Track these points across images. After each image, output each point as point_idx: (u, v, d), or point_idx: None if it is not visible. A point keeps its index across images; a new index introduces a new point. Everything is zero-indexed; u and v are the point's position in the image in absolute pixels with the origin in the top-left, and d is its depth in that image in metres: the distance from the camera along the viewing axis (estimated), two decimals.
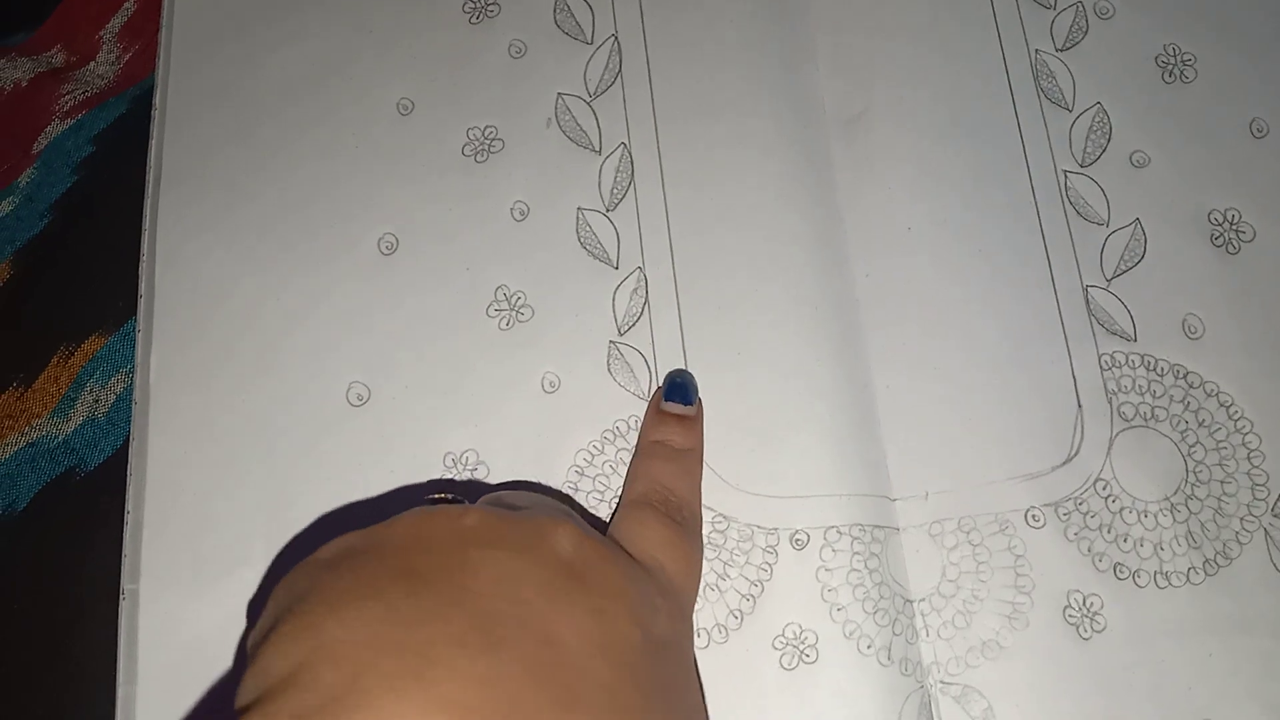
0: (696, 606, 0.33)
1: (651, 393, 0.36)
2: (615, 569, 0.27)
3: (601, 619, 0.26)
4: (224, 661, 0.34)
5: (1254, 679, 0.32)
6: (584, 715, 0.24)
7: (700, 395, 0.35)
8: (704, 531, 0.34)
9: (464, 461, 0.35)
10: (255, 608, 0.34)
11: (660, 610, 0.28)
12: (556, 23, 0.41)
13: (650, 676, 0.26)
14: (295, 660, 0.23)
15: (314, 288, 0.37)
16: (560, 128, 0.39)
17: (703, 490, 0.34)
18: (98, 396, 0.38)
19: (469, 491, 0.34)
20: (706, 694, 0.32)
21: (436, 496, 0.28)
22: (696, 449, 0.35)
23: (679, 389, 0.35)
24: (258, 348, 0.37)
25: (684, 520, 0.32)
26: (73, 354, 0.38)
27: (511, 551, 0.26)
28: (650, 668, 0.26)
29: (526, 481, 0.35)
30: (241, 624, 0.34)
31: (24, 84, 0.41)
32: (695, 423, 0.35)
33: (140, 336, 0.37)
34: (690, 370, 0.36)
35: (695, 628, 0.33)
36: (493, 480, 0.35)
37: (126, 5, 0.43)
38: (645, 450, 0.34)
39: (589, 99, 0.39)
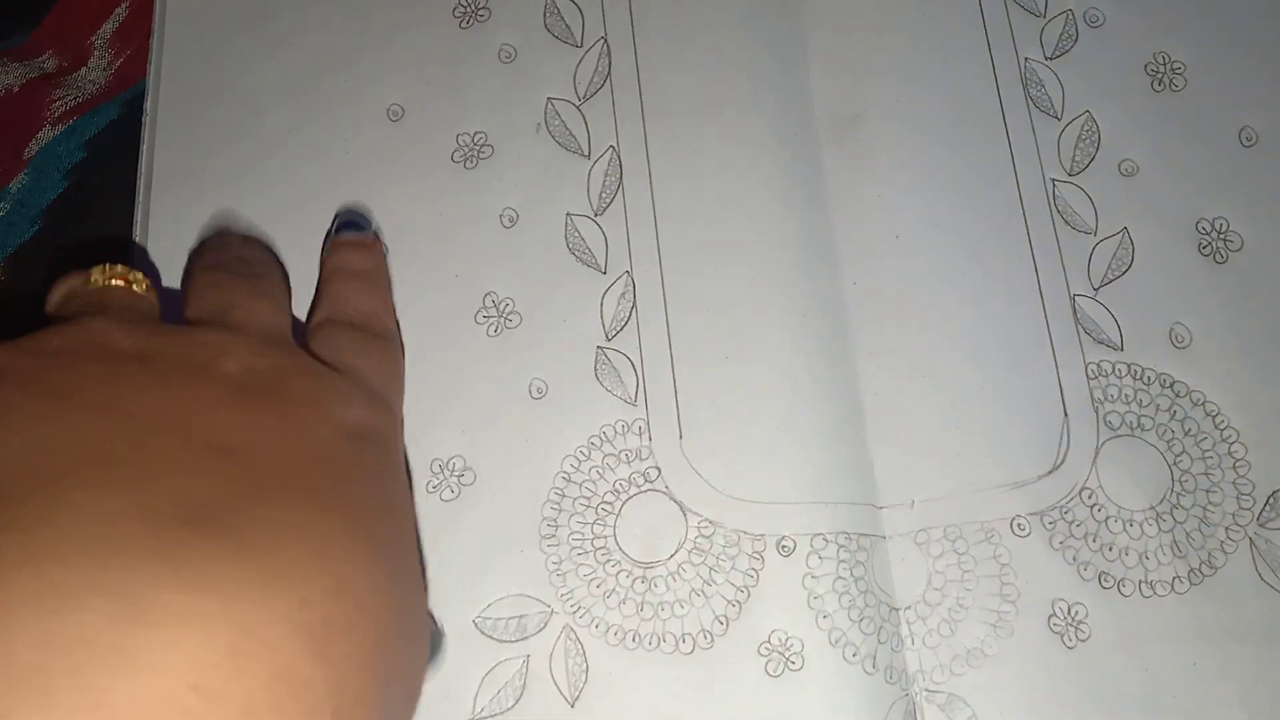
0: (681, 611, 0.33)
1: (638, 397, 0.36)
2: (296, 377, 0.27)
3: (285, 421, 0.25)
4: None
5: (1239, 687, 0.32)
6: (273, 507, 0.23)
7: (688, 414, 0.35)
8: (690, 536, 0.34)
9: (451, 468, 0.35)
10: None
11: (355, 400, 0.27)
12: (546, 25, 0.41)
13: (351, 465, 0.25)
14: None
15: (305, 294, 0.37)
16: (549, 132, 0.39)
17: (705, 504, 0.34)
18: None
19: None
20: (691, 700, 0.33)
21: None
22: (378, 269, 0.35)
23: (351, 223, 0.36)
24: None
25: (378, 331, 0.32)
26: None
27: (172, 374, 0.25)
28: (351, 457, 0.25)
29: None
30: None
31: (15, 89, 0.42)
32: (374, 248, 0.36)
33: None
34: (677, 376, 0.36)
35: (680, 633, 0.33)
36: (480, 487, 0.35)
37: (118, 11, 0.43)
38: (323, 278, 0.34)
39: (578, 103, 0.39)
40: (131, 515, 0.21)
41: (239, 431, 0.24)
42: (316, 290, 0.35)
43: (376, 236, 0.36)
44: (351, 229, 0.35)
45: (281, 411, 0.25)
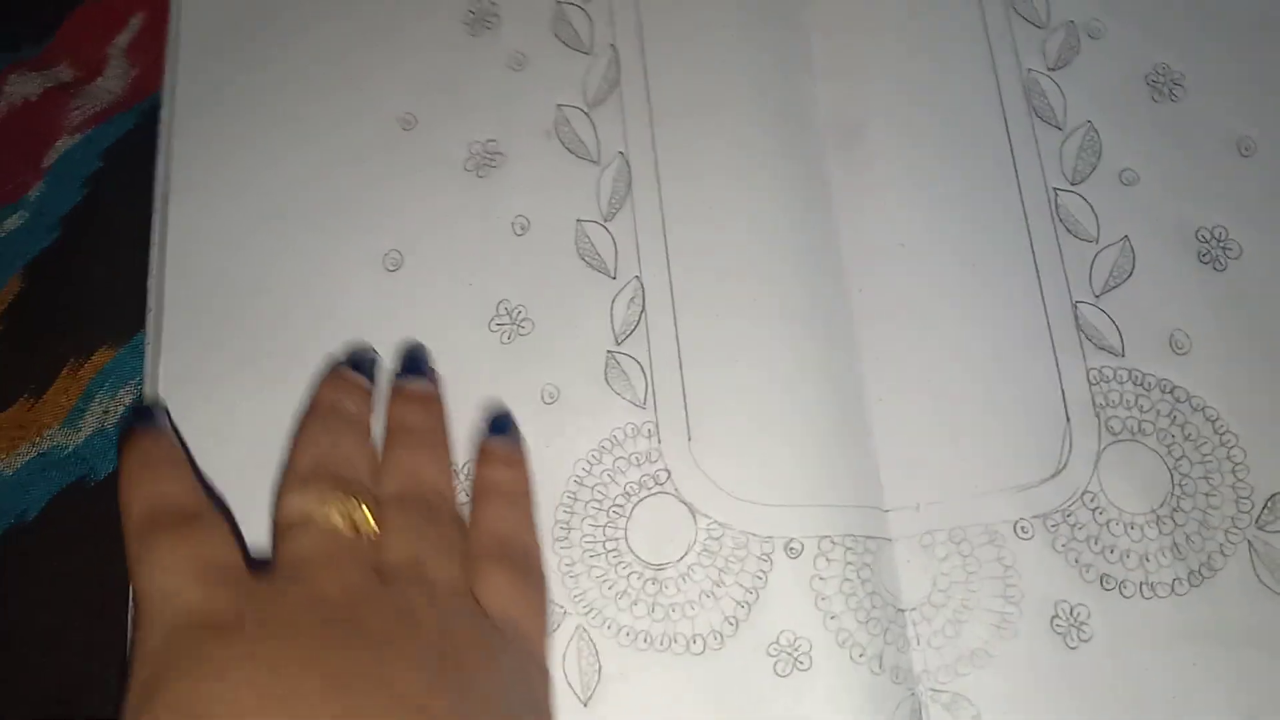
0: (691, 612, 0.34)
1: (648, 401, 0.36)
2: (486, 652, 0.30)
3: (474, 695, 0.28)
4: None
5: (1237, 688, 0.33)
6: None
7: (696, 418, 0.36)
8: (699, 538, 0.35)
9: (467, 473, 0.36)
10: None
11: (533, 680, 0.31)
12: (555, 33, 0.41)
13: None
14: None
15: (321, 301, 0.38)
16: (559, 139, 0.39)
17: (714, 507, 0.35)
18: (107, 408, 0.38)
19: None
20: (701, 700, 0.33)
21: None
22: (526, 480, 0.35)
23: (500, 428, 0.36)
24: (266, 359, 0.37)
25: (532, 567, 0.34)
26: (82, 366, 0.39)
27: (381, 636, 0.28)
28: None
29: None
30: None
31: (33, 99, 0.42)
32: (523, 460, 0.36)
33: (149, 348, 0.38)
34: (686, 379, 0.36)
35: (690, 634, 0.34)
36: None
37: (133, 21, 0.44)
38: (477, 495, 0.35)
39: (587, 109, 0.40)
40: None
41: (437, 695, 0.27)
42: (473, 506, 0.35)
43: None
44: (500, 435, 0.35)
45: (473, 686, 0.28)
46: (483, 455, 0.35)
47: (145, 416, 0.35)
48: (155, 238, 0.39)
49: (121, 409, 0.38)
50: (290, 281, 0.38)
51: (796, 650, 0.33)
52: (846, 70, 0.40)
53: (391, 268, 0.38)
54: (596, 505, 0.35)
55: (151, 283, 0.38)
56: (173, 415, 0.37)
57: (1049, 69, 0.40)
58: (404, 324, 0.37)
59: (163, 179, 0.40)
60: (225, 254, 0.39)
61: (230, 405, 0.37)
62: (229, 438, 0.36)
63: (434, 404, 0.36)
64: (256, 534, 0.34)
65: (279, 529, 0.32)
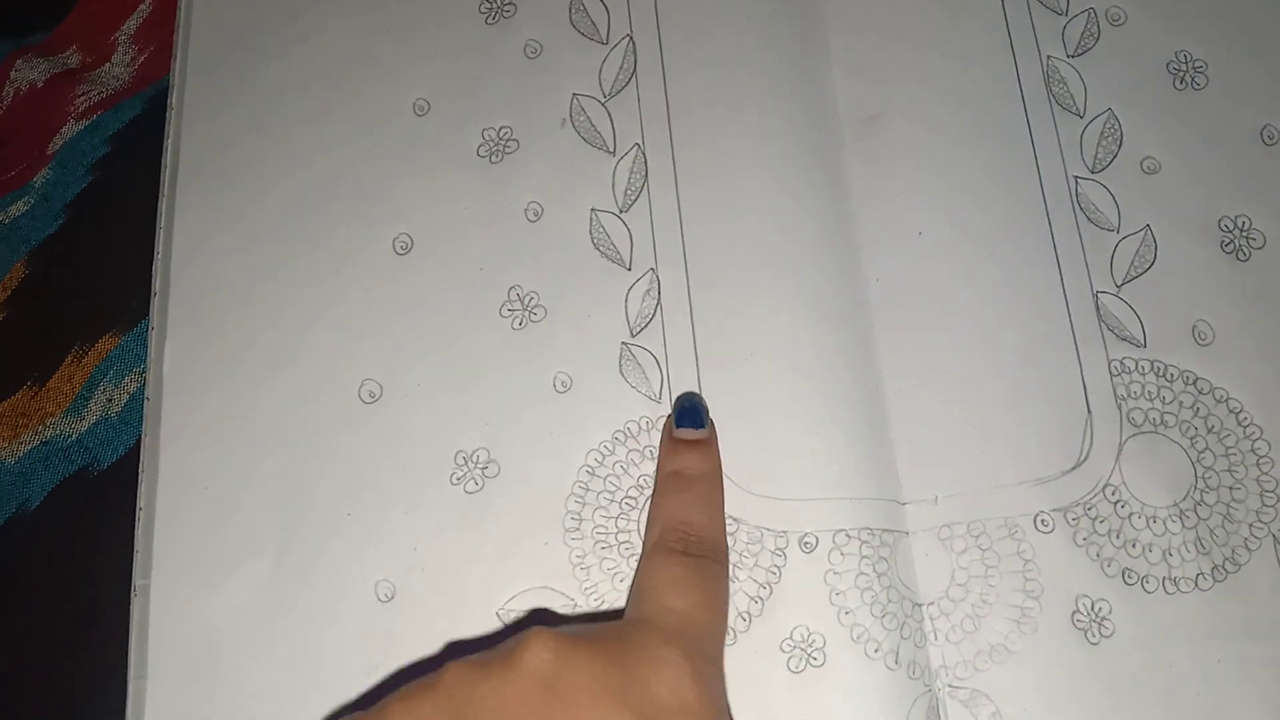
0: None
1: (663, 394, 0.36)
2: (594, 664, 0.28)
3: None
4: (234, 654, 0.34)
5: (1262, 684, 0.32)
6: None
7: (711, 412, 0.35)
8: None
9: (475, 460, 0.35)
10: None
11: (665, 664, 0.28)
12: (572, 22, 0.41)
13: None
14: None
15: (328, 287, 0.38)
16: (575, 128, 0.39)
17: (728, 501, 0.34)
18: (111, 396, 0.38)
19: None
20: None
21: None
22: (713, 473, 0.34)
23: (689, 413, 0.35)
24: (271, 345, 0.37)
25: (703, 552, 0.32)
26: (86, 353, 0.38)
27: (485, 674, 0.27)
28: None
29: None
30: (252, 618, 0.34)
31: (40, 85, 0.42)
32: (709, 446, 0.35)
33: (154, 335, 0.37)
34: (702, 374, 0.36)
35: None
36: (504, 480, 0.35)
37: (142, 7, 0.43)
38: (661, 485, 0.34)
39: (604, 99, 0.40)
40: None
41: None
42: (654, 490, 0.34)
43: (713, 429, 0.35)
44: (689, 421, 0.35)
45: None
46: (671, 443, 0.35)
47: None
48: (161, 224, 0.39)
49: (126, 397, 0.38)
50: (298, 266, 0.38)
51: (810, 646, 0.33)
52: (864, 59, 0.40)
53: (401, 251, 0.38)
54: (609, 497, 0.35)
55: (157, 269, 0.38)
56: (177, 400, 0.36)
57: (1069, 56, 0.39)
58: (412, 307, 0.37)
59: (170, 165, 0.39)
60: (231, 240, 0.39)
61: (236, 392, 0.37)
62: (234, 424, 0.36)
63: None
64: (252, 510, 0.34)
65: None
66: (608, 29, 0.41)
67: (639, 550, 0.34)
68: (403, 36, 0.41)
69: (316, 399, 0.37)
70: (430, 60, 0.40)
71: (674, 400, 0.36)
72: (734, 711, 0.32)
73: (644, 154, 0.39)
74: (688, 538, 0.32)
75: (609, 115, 0.39)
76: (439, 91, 0.40)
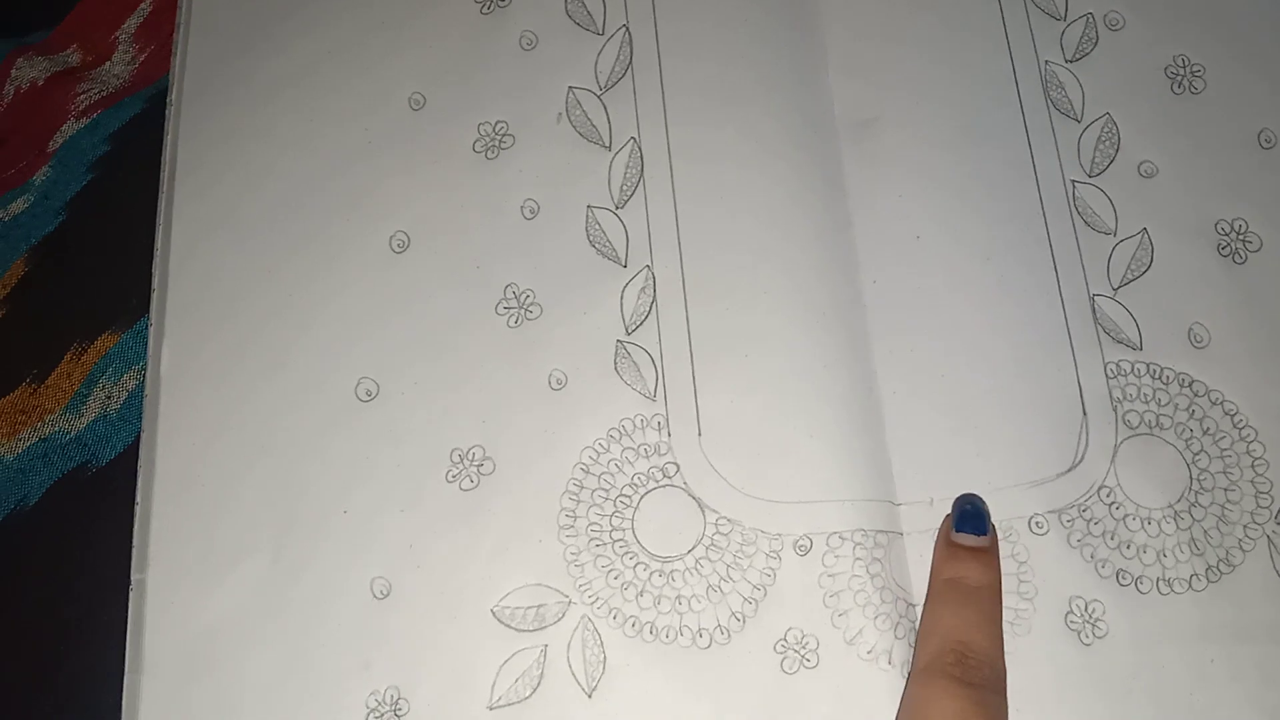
0: (698, 606, 0.33)
1: (657, 392, 0.36)
2: None
3: None
4: (230, 651, 0.34)
5: (1255, 686, 0.32)
6: None
7: (707, 413, 0.35)
8: (707, 532, 0.34)
9: (470, 457, 0.35)
10: None
11: None
12: (568, 12, 0.41)
13: None
14: None
15: (326, 285, 0.38)
16: (571, 123, 0.39)
17: (723, 502, 0.34)
18: (110, 393, 0.38)
19: None
20: (707, 695, 0.33)
21: None
22: (994, 586, 0.32)
23: (970, 517, 0.33)
24: (269, 343, 0.37)
25: (983, 681, 0.30)
26: (85, 351, 0.39)
27: None
28: None
29: None
30: (249, 613, 0.34)
31: (40, 83, 0.42)
32: (992, 556, 0.33)
33: (153, 332, 0.37)
34: (697, 373, 0.36)
35: (696, 628, 0.33)
36: (499, 477, 0.35)
37: (143, 6, 0.44)
38: (936, 593, 0.32)
39: (599, 92, 0.40)
40: None
41: None
42: (927, 598, 0.33)
43: (995, 535, 0.33)
44: (971, 526, 0.33)
45: None
46: (948, 547, 0.33)
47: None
48: (161, 222, 0.39)
49: (125, 394, 0.38)
50: (295, 265, 0.38)
51: (804, 648, 0.33)
52: (861, 61, 0.40)
53: (398, 249, 0.38)
54: (603, 494, 0.35)
55: (156, 267, 0.38)
56: (175, 397, 0.36)
57: (1067, 61, 0.39)
58: (408, 304, 0.37)
59: (169, 162, 0.39)
60: (230, 238, 0.39)
61: (234, 390, 0.37)
62: (232, 422, 0.36)
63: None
64: (249, 507, 0.34)
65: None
66: (604, 19, 0.41)
67: (633, 549, 0.34)
68: (399, 28, 0.41)
69: (314, 397, 0.37)
70: (426, 53, 0.40)
71: (953, 502, 0.34)
72: (727, 713, 0.32)
73: (640, 148, 0.39)
74: (966, 661, 0.30)
75: (605, 109, 0.39)
76: (435, 85, 0.40)
